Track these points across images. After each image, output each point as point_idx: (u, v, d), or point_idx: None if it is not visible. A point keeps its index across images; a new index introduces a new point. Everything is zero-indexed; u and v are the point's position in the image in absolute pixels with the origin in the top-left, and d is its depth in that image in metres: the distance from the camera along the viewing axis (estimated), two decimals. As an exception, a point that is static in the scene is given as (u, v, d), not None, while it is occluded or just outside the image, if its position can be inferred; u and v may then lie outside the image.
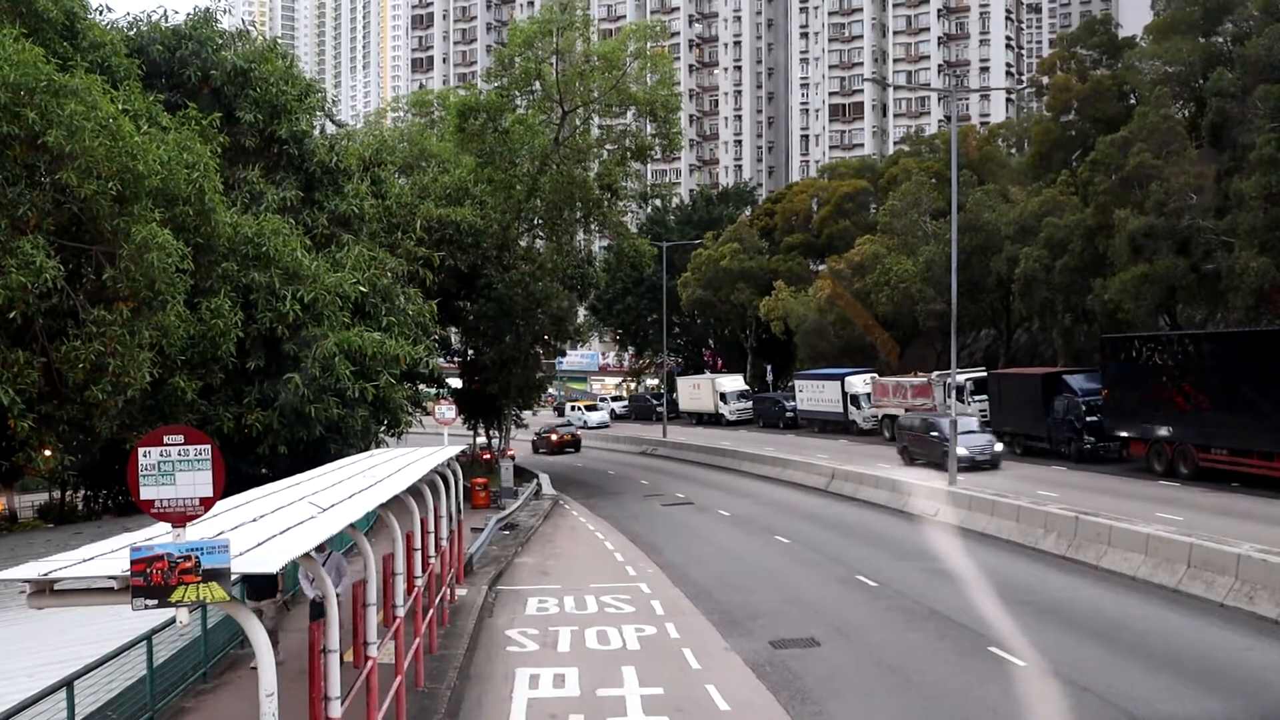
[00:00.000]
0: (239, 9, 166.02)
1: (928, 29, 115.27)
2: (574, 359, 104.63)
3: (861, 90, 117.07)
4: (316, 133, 31.42)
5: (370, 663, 10.47)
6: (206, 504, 7.07)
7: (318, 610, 12.25)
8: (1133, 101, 48.89)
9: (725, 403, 70.60)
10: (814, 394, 60.32)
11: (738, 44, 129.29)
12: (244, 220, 24.66)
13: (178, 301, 20.64)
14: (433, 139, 48.17)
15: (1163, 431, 32.76)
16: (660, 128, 46.80)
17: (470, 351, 48.33)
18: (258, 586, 13.32)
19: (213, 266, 23.33)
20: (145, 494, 6.99)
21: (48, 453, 21.21)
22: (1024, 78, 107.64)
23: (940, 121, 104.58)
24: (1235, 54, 43.42)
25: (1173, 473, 32.02)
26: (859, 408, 55.64)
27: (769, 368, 77.29)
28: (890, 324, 60.25)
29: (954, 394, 35.44)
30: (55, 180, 18.59)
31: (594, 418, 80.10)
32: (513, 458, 43.60)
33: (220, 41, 29.00)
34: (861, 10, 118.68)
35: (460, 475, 21.20)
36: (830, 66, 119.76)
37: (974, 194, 53.99)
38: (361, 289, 26.66)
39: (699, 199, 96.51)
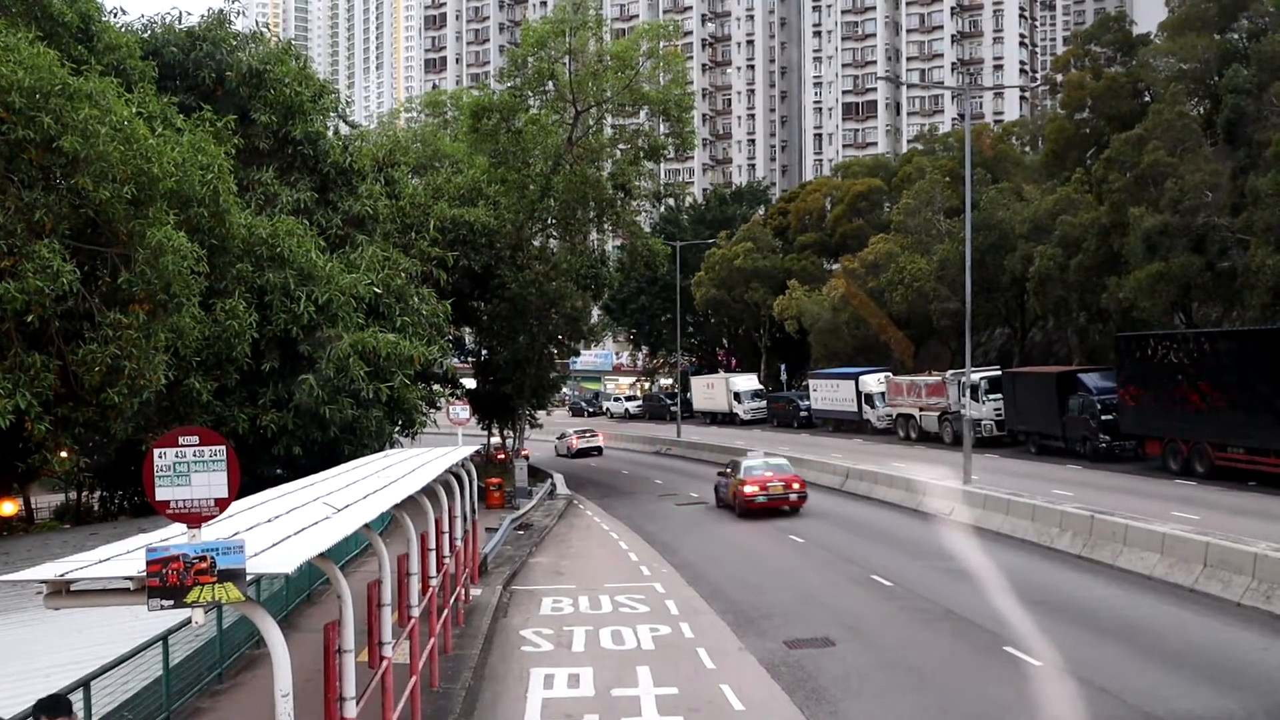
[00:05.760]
0: (252, 10, 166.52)
1: (941, 27, 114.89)
2: (588, 359, 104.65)
3: (875, 88, 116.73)
4: (330, 134, 31.49)
5: (385, 663, 10.49)
6: (221, 505, 7.09)
7: None
8: (1147, 99, 48.76)
9: (740, 402, 70.46)
10: (828, 393, 60.22)
11: (750, 43, 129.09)
12: (258, 221, 24.73)
13: (193, 303, 20.71)
14: (446, 139, 48.28)
15: (1179, 430, 32.60)
16: (673, 127, 46.82)
17: (484, 352, 48.42)
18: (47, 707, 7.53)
19: (227, 268, 23.41)
20: (161, 495, 7.01)
21: (64, 454, 21.33)
22: (1038, 75, 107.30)
23: (954, 120, 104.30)
24: (1251, 50, 43.24)
25: (1189, 472, 31.85)
26: (873, 407, 55.48)
27: (783, 367, 77.17)
28: (904, 323, 60.15)
29: (968, 393, 35.27)
30: (71, 184, 18.66)
31: None
32: (527, 458, 43.61)
33: (234, 43, 29.12)
34: (874, 8, 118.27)
35: (474, 475, 21.23)
36: (843, 65, 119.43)
37: (988, 192, 53.89)
38: (376, 290, 26.72)
39: (712, 198, 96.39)
